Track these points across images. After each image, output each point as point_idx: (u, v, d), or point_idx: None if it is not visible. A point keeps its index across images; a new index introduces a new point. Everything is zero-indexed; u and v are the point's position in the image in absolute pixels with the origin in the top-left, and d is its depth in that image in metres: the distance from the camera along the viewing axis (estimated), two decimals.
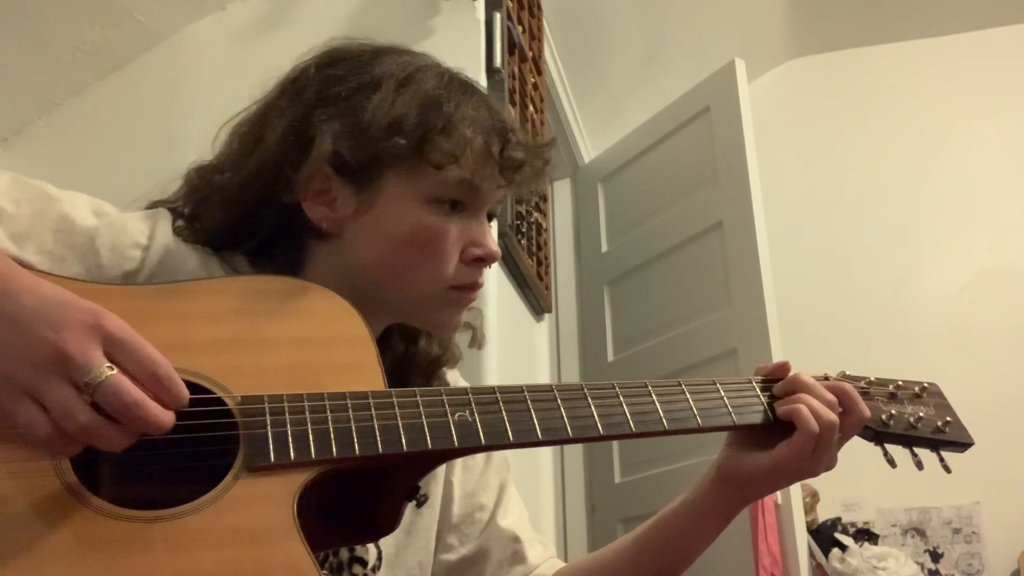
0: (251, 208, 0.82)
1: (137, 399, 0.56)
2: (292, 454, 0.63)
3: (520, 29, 2.29)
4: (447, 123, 0.80)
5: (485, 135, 0.82)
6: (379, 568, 0.85)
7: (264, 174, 0.81)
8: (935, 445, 0.88)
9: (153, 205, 0.86)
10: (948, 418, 0.88)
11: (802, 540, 2.37)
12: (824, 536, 3.09)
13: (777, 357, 2.39)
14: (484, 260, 0.84)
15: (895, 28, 4.09)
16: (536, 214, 2.45)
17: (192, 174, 0.87)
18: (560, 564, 0.99)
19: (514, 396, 0.73)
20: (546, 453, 2.75)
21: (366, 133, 0.79)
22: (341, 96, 0.81)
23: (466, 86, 0.86)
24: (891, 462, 0.87)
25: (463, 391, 0.73)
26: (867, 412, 0.84)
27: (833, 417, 0.81)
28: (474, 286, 0.84)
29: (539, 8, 2.55)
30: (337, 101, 0.81)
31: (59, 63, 1.58)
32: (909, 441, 0.87)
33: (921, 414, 0.88)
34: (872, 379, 0.90)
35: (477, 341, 0.96)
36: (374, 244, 0.81)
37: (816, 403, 0.81)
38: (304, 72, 0.85)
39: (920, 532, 3.54)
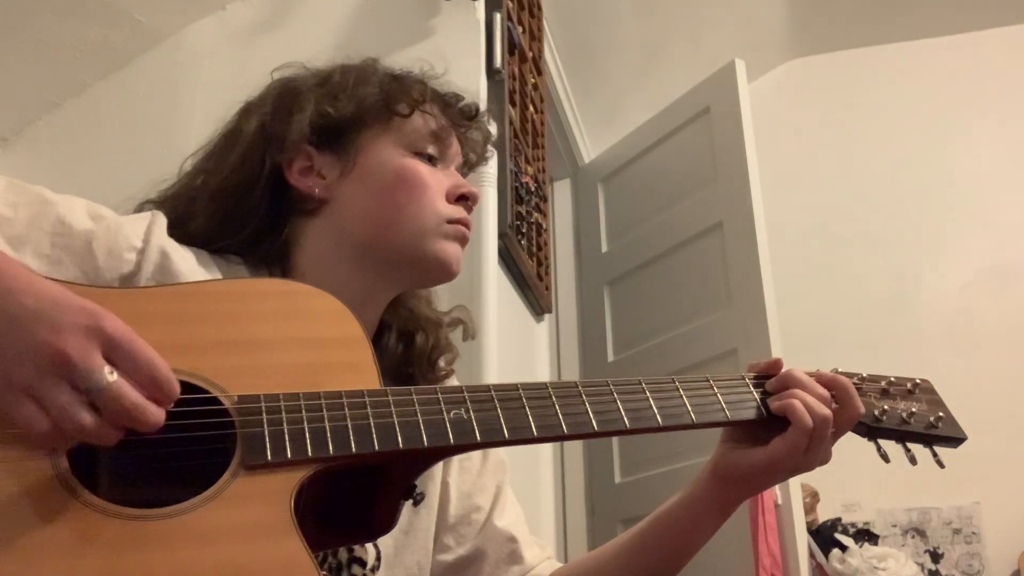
0: (239, 196, 0.86)
1: (137, 403, 0.57)
2: (289, 452, 0.64)
3: (520, 29, 2.29)
4: (404, 82, 0.91)
5: (437, 96, 0.94)
6: (378, 568, 0.85)
7: (249, 157, 0.87)
8: (928, 440, 0.88)
9: (141, 207, 0.88)
10: (940, 413, 0.89)
11: (802, 540, 2.37)
12: (824, 536, 3.09)
13: (777, 357, 2.38)
14: (467, 198, 0.92)
15: (895, 28, 4.09)
16: (536, 214, 2.45)
17: (167, 198, 0.91)
18: (557, 564, 1.00)
19: (509, 394, 0.74)
20: (546, 454, 2.75)
21: (339, 92, 0.89)
22: (308, 87, 0.91)
23: (415, 73, 0.96)
24: (884, 457, 0.87)
25: (458, 389, 0.73)
26: (861, 407, 0.84)
27: (827, 412, 0.81)
28: (465, 221, 0.91)
29: (539, 8, 2.55)
30: (307, 81, 0.91)
31: (59, 63, 1.59)
32: (902, 436, 0.88)
33: (914, 409, 0.88)
34: (864, 375, 0.91)
35: (469, 333, 1.00)
36: (366, 194, 0.88)
37: (810, 398, 0.81)
38: (262, 92, 0.94)
39: (920, 532, 3.54)
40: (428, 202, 0.88)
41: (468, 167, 0.99)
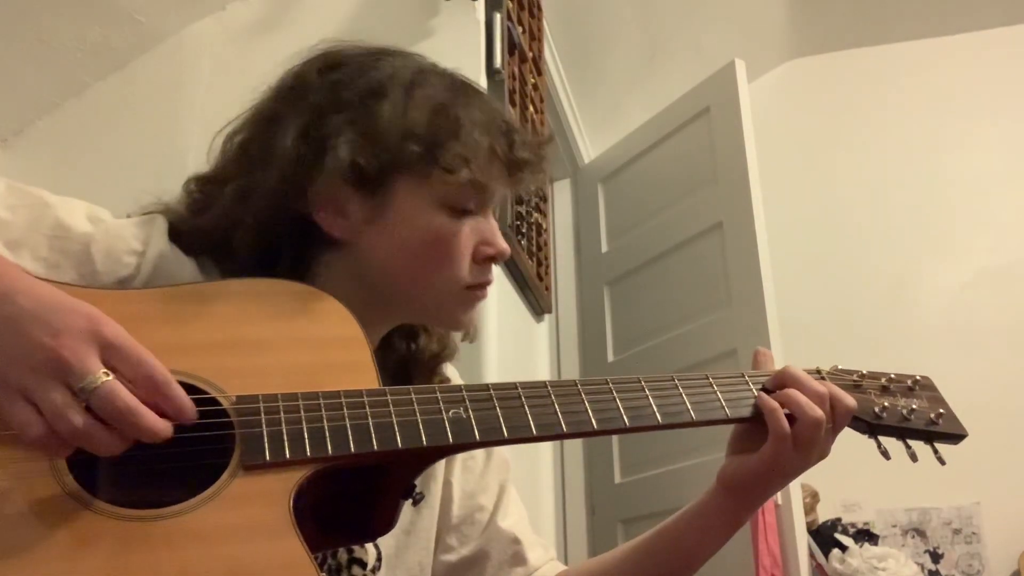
0: (264, 220, 0.81)
1: (130, 405, 0.57)
2: (287, 452, 0.64)
3: (520, 30, 2.29)
4: (457, 128, 0.81)
5: (492, 137, 0.83)
6: (379, 569, 0.85)
7: (281, 186, 0.80)
8: (929, 437, 0.87)
9: (150, 211, 0.86)
10: (941, 410, 0.88)
11: (802, 540, 2.37)
12: (824, 536, 3.09)
13: (777, 357, 2.38)
14: (495, 259, 0.86)
15: (895, 28, 4.09)
16: (536, 214, 2.45)
17: (192, 185, 0.86)
18: (561, 567, 0.99)
19: (508, 393, 0.73)
20: (546, 454, 2.75)
21: (380, 141, 0.79)
22: (351, 102, 0.81)
23: (468, 88, 0.87)
24: (885, 454, 0.86)
25: (457, 388, 0.73)
26: (852, 401, 0.83)
27: (817, 413, 0.79)
28: (486, 283, 0.86)
29: (539, 8, 2.56)
30: (347, 107, 0.81)
31: (59, 63, 1.58)
32: (903, 433, 0.87)
33: (914, 406, 0.87)
34: (864, 372, 0.90)
35: (469, 335, 0.96)
36: (391, 251, 0.82)
37: (802, 397, 0.80)
38: (304, 77, 0.85)
39: (920, 533, 3.54)
40: (452, 270, 0.83)
41: (519, 191, 0.91)
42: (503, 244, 0.86)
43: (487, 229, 0.85)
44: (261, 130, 0.83)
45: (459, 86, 0.86)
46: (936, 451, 0.87)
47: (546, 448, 2.75)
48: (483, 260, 0.85)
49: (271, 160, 0.80)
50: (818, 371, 0.88)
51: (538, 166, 0.88)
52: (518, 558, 0.96)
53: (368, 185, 0.80)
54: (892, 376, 0.91)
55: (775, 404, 0.80)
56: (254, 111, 0.85)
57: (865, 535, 3.19)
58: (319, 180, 0.79)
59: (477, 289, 0.86)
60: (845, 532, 3.16)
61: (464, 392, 0.72)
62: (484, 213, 0.86)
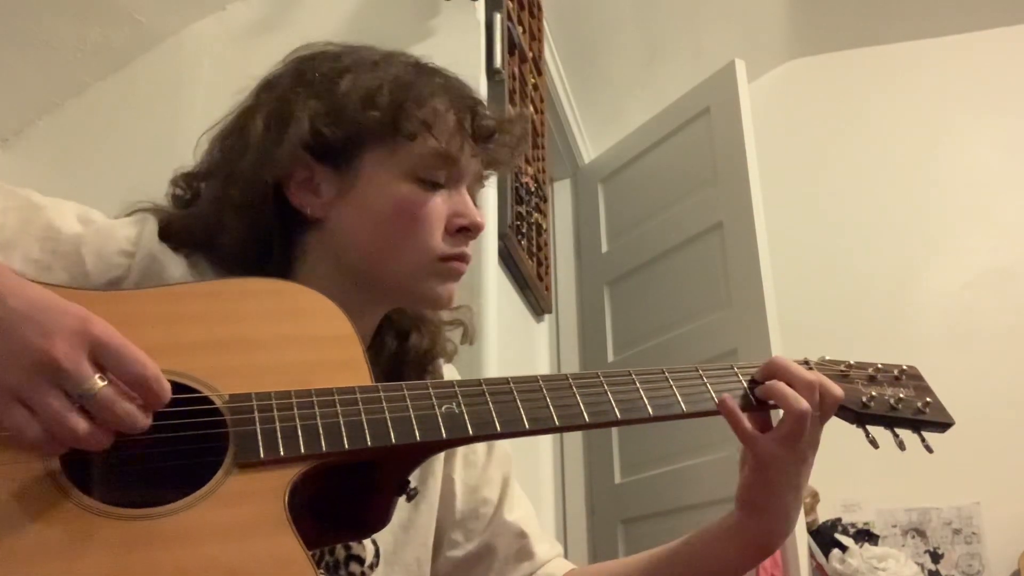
0: (249, 212, 0.82)
1: (128, 411, 0.58)
2: (281, 450, 0.64)
3: (520, 30, 2.29)
4: (418, 96, 0.83)
5: (455, 107, 0.85)
6: (376, 565, 0.85)
7: (256, 168, 0.82)
8: (916, 425, 0.87)
9: (139, 211, 0.87)
10: (928, 399, 0.88)
11: (802, 541, 2.37)
12: (824, 537, 3.08)
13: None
14: (469, 230, 0.86)
15: (895, 28, 4.09)
16: (536, 214, 2.45)
17: (179, 182, 0.88)
18: (569, 565, 0.99)
19: (500, 387, 0.74)
20: (546, 454, 2.75)
21: (341, 109, 0.82)
22: (315, 79, 0.84)
23: (435, 68, 0.89)
24: (873, 443, 0.86)
25: (449, 384, 0.73)
26: (839, 390, 0.82)
27: (802, 405, 0.79)
28: (461, 256, 0.86)
29: (539, 9, 2.56)
30: (311, 83, 0.83)
31: (59, 63, 1.59)
32: (890, 422, 0.87)
33: (901, 395, 0.88)
34: (852, 362, 0.90)
35: (468, 337, 0.97)
36: (360, 223, 0.83)
37: (788, 391, 0.80)
38: (278, 73, 0.88)
39: (920, 533, 3.54)
40: (423, 239, 0.83)
41: (494, 168, 0.92)
42: (477, 216, 0.86)
43: (460, 202, 0.86)
44: (238, 123, 0.86)
45: (425, 66, 0.88)
46: (923, 439, 0.88)
47: (546, 448, 2.75)
48: (456, 231, 0.85)
49: (247, 146, 0.82)
50: (806, 361, 0.88)
51: (507, 141, 0.89)
52: (525, 552, 0.96)
53: (335, 158, 0.82)
54: (879, 366, 0.91)
55: (732, 407, 0.80)
56: (235, 111, 0.88)
57: (865, 535, 3.19)
58: (286, 152, 0.80)
59: (452, 261, 0.85)
60: (845, 532, 3.15)
61: (456, 387, 0.73)
62: (457, 186, 0.86)
